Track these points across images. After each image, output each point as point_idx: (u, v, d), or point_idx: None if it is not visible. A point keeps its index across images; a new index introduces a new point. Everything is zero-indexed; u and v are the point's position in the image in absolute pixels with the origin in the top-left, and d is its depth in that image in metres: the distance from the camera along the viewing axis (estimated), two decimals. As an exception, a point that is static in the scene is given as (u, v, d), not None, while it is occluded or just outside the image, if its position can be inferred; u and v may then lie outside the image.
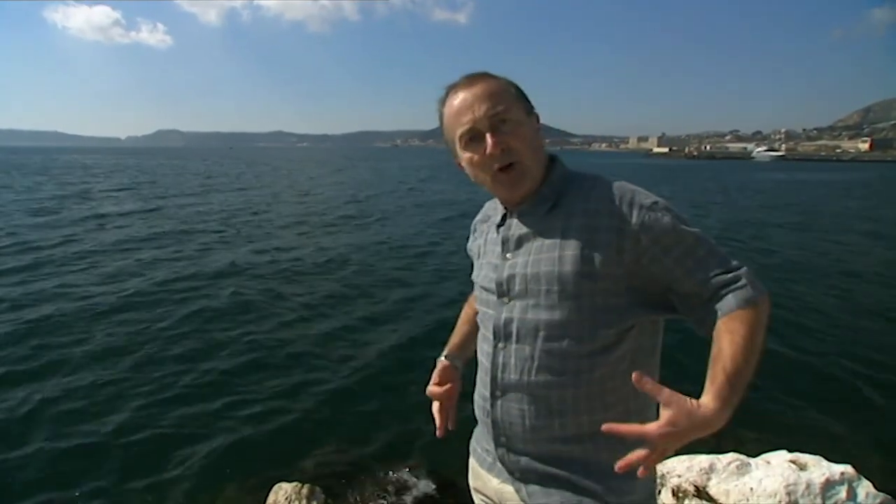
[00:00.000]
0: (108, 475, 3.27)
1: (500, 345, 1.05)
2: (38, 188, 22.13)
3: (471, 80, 1.02)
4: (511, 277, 1.04)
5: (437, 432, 1.23)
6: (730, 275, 0.91)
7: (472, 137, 1.00)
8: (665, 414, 0.82)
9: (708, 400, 0.84)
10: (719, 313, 0.90)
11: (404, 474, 3.17)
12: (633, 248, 0.95)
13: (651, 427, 0.82)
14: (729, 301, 0.90)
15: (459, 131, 1.01)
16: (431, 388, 1.26)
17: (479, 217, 1.26)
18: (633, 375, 0.83)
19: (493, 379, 1.07)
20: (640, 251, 0.94)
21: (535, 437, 1.03)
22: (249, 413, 4.00)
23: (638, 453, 0.83)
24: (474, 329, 1.24)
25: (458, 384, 1.28)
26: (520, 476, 1.07)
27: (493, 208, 1.19)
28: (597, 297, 0.96)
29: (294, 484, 2.84)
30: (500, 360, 1.05)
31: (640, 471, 0.84)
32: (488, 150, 0.98)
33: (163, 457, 3.44)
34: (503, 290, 1.06)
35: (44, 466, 3.34)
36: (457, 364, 1.29)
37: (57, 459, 3.41)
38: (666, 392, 0.83)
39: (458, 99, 1.01)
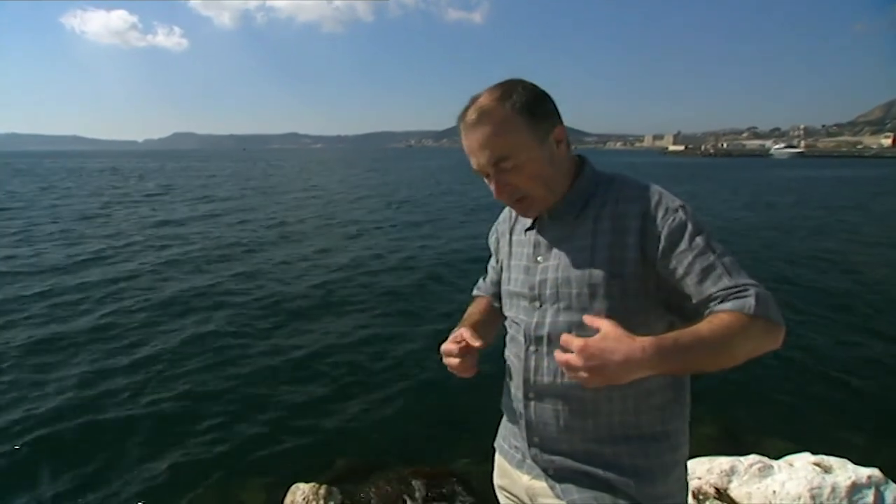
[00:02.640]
0: (126, 471, 3.32)
1: (532, 348, 1.06)
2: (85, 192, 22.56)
3: (472, 123, 1.00)
4: (543, 282, 1.05)
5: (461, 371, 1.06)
6: (736, 288, 0.88)
7: (484, 175, 1.04)
8: (602, 329, 0.84)
9: (646, 340, 0.82)
10: (714, 310, 0.89)
11: (422, 475, 3.16)
12: (653, 250, 0.95)
13: (577, 338, 0.84)
14: (725, 304, 0.88)
15: (472, 167, 1.04)
16: (449, 345, 1.08)
17: (501, 217, 1.27)
18: (584, 318, 0.88)
19: (526, 381, 1.08)
20: (659, 254, 0.95)
21: (570, 437, 1.04)
22: (268, 413, 4.03)
23: (566, 355, 0.84)
24: (489, 319, 1.25)
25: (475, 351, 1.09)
26: (553, 474, 1.07)
27: None
28: (627, 298, 0.97)
29: (312, 484, 2.85)
30: (533, 363, 1.06)
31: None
32: (494, 194, 1.03)
33: (181, 456, 3.48)
34: (535, 295, 1.07)
35: (63, 461, 3.40)
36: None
37: (75, 454, 3.47)
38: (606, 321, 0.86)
39: (464, 138, 1.02)
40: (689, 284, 0.92)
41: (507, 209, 1.25)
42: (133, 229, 12.56)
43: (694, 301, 0.92)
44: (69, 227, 12.74)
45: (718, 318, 0.86)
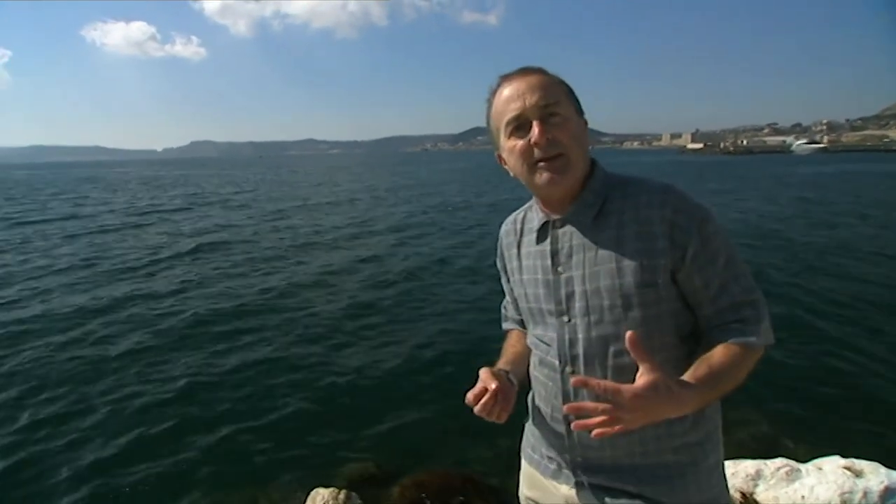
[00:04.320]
0: (147, 473, 3.37)
1: (569, 368, 1.02)
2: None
3: (525, 71, 1.00)
4: (570, 295, 1.01)
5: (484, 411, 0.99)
6: (744, 311, 0.94)
7: (519, 126, 0.98)
8: (646, 378, 0.80)
9: (688, 380, 0.86)
10: (722, 338, 0.93)
11: (442, 479, 3.15)
12: (679, 258, 0.94)
13: (627, 387, 0.79)
14: (732, 334, 0.93)
15: (507, 118, 0.98)
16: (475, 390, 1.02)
17: (503, 232, 1.21)
18: (628, 335, 0.81)
19: (566, 404, 1.04)
20: (683, 262, 0.94)
21: (615, 454, 1.01)
22: (289, 418, 4.06)
23: (602, 408, 0.79)
24: (525, 352, 1.19)
25: (511, 394, 1.05)
26: (598, 487, 1.04)
27: (526, 220, 1.15)
28: (662, 304, 0.95)
29: (331, 489, 2.86)
30: (571, 385, 1.01)
31: (595, 431, 0.80)
32: (534, 138, 0.95)
33: (201, 460, 3.52)
34: (562, 309, 1.02)
35: (83, 465, 3.47)
36: (511, 378, 1.08)
37: (92, 460, 3.54)
38: (653, 360, 0.81)
39: (510, 88, 0.99)
40: (706, 296, 0.95)
41: (508, 222, 1.20)
42: (161, 240, 12.79)
43: (705, 311, 0.96)
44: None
45: (731, 349, 0.91)
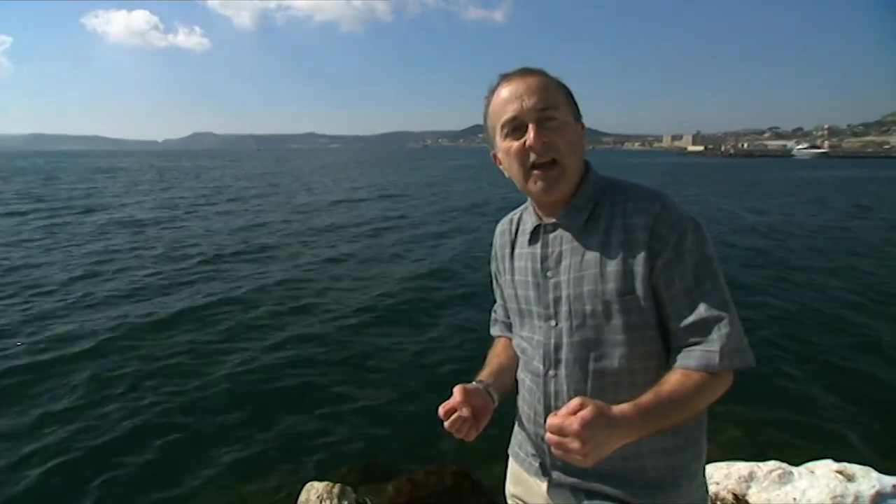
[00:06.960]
0: (142, 470, 3.37)
1: (552, 372, 1.03)
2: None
3: (525, 72, 0.99)
4: (558, 299, 1.01)
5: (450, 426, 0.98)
6: (711, 331, 0.90)
7: (516, 128, 0.97)
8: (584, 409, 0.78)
9: (629, 407, 0.83)
10: (682, 362, 0.92)
11: (435, 475, 3.16)
12: (656, 266, 0.93)
13: (571, 417, 0.77)
14: (694, 357, 0.90)
15: (504, 119, 0.98)
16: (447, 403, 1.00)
17: (498, 231, 1.20)
18: None
19: (547, 408, 1.04)
20: (657, 270, 0.93)
21: None
22: (284, 413, 4.07)
23: (555, 440, 0.78)
24: (510, 363, 1.18)
25: (486, 410, 1.04)
26: (576, 489, 1.05)
27: (521, 220, 1.15)
28: (644, 313, 0.94)
29: (326, 483, 2.87)
30: (553, 387, 1.03)
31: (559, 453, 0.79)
32: (529, 141, 0.94)
33: (196, 455, 3.52)
34: (550, 313, 1.03)
35: (81, 460, 3.47)
36: (491, 391, 1.08)
37: (89, 453, 3.54)
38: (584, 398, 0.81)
39: (509, 88, 0.98)
40: (671, 310, 0.94)
41: (504, 222, 1.20)
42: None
43: (671, 327, 0.94)
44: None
45: (688, 378, 0.89)
